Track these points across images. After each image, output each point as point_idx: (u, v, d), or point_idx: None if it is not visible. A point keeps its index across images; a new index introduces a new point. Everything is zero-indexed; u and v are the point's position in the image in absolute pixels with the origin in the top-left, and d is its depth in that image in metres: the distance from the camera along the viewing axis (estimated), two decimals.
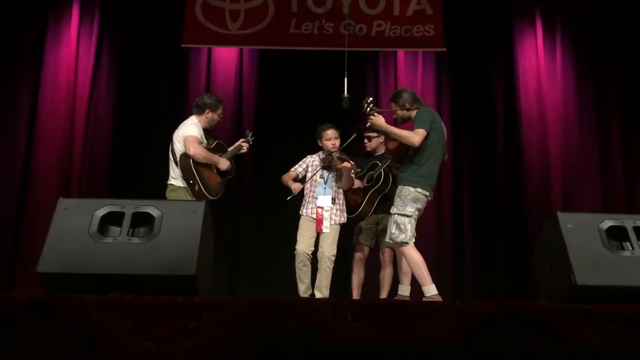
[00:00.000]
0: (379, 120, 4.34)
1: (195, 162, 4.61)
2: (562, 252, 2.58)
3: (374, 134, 5.13)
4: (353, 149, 5.20)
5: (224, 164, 4.79)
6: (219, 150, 4.90)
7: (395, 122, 4.59)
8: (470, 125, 6.60)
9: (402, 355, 2.02)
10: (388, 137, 4.72)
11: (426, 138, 4.22)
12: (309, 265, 4.90)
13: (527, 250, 5.79)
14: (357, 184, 5.11)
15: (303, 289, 4.89)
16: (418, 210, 4.22)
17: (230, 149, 5.00)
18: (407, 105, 4.40)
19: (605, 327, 2.17)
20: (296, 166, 5.17)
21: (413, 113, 4.37)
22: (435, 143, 4.27)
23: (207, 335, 2.08)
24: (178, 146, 4.69)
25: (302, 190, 5.03)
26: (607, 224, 2.68)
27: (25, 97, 6.19)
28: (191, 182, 4.61)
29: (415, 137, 4.18)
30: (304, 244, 4.89)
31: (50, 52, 6.28)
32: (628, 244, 2.66)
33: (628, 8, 6.65)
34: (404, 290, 4.82)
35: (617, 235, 2.68)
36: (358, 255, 5.12)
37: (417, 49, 6.57)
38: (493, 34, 6.74)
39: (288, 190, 5.03)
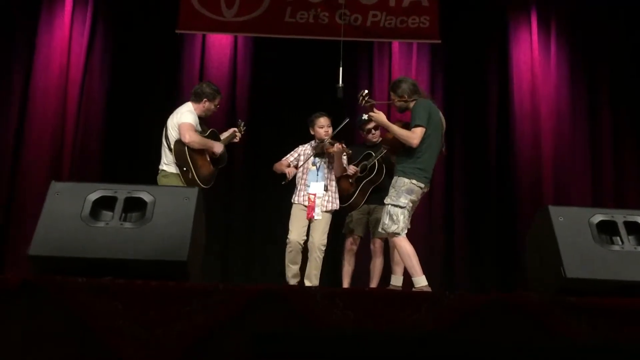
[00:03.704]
0: (380, 116, 4.35)
1: (190, 150, 4.59)
2: (552, 245, 2.60)
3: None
4: (346, 137, 5.20)
5: (218, 147, 4.78)
6: (213, 139, 4.88)
7: (388, 111, 4.59)
8: (463, 118, 6.60)
9: (393, 344, 2.03)
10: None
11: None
12: (300, 254, 4.91)
13: (518, 243, 5.83)
14: (352, 169, 5.10)
15: (291, 274, 4.89)
16: (412, 201, 4.22)
17: (223, 137, 4.99)
18: (405, 96, 4.40)
19: (593, 320, 2.19)
20: (288, 155, 5.17)
21: (411, 104, 4.38)
22: (432, 136, 4.27)
23: (197, 320, 2.08)
24: (173, 133, 4.67)
25: (294, 177, 5.03)
26: (597, 218, 2.70)
27: (17, 79, 6.15)
28: (184, 169, 4.60)
29: (414, 139, 4.18)
30: (296, 233, 4.88)
31: (43, 34, 6.24)
32: (618, 238, 2.67)
33: (622, 4, 6.66)
34: (397, 280, 4.84)
35: (607, 229, 2.70)
36: (349, 244, 5.13)
37: (412, 40, 6.57)
38: (488, 27, 6.74)
39: (281, 177, 5.03)
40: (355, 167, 5.12)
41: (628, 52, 6.63)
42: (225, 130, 5.14)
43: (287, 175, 4.97)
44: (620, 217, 2.72)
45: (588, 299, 2.29)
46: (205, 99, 4.83)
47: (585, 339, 2.17)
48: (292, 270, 4.88)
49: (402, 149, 4.31)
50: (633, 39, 6.63)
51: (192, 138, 4.57)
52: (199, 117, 4.81)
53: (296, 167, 5.08)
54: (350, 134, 5.29)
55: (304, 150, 5.13)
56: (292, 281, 4.90)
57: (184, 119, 4.64)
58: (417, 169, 4.20)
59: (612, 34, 6.67)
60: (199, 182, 4.58)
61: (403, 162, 4.27)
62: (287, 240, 4.89)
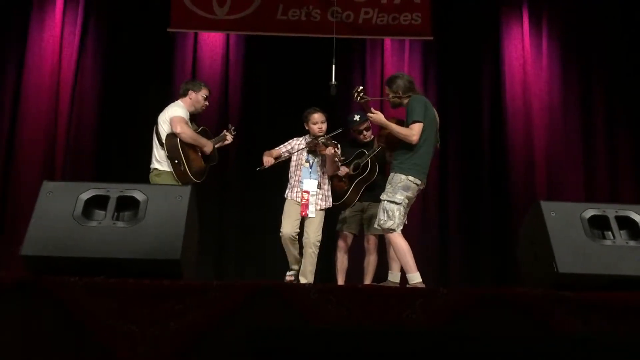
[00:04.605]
0: (378, 117, 4.36)
1: (182, 142, 4.58)
2: (544, 240, 2.60)
3: (368, 124, 5.11)
4: (339, 136, 5.19)
5: (209, 147, 4.77)
6: (204, 136, 4.87)
7: (381, 107, 4.59)
8: (456, 115, 6.62)
9: (388, 340, 2.04)
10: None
11: None
12: (296, 242, 4.90)
13: (512, 239, 5.84)
14: (343, 171, 5.10)
15: (292, 259, 4.92)
16: (408, 198, 4.23)
17: (215, 138, 4.98)
18: (399, 92, 4.41)
19: (587, 314, 2.20)
20: (281, 146, 5.14)
21: (405, 100, 4.39)
22: (428, 131, 4.28)
23: (191, 318, 2.08)
24: (164, 127, 4.64)
25: (288, 174, 5.02)
26: (589, 213, 2.70)
27: (9, 78, 6.13)
28: (176, 161, 4.57)
29: (413, 135, 4.19)
30: (288, 226, 4.87)
31: (34, 34, 6.22)
32: (609, 233, 2.68)
33: (618, 2, 6.68)
34: (394, 276, 4.83)
35: (599, 224, 2.70)
36: (342, 242, 5.13)
37: (404, 37, 6.58)
38: (480, 23, 6.75)
39: (269, 170, 4.95)
40: (346, 168, 5.11)
41: (621, 46, 6.64)
42: (216, 128, 5.12)
43: (264, 163, 4.89)
44: (611, 211, 2.73)
45: (581, 293, 2.30)
46: (190, 91, 4.83)
47: (579, 333, 2.18)
48: (291, 254, 4.90)
49: (398, 145, 4.32)
50: (628, 36, 6.64)
51: (183, 129, 4.56)
52: (190, 114, 4.80)
53: (286, 160, 5.04)
54: (344, 133, 5.27)
55: (298, 144, 5.11)
56: (295, 266, 4.93)
57: (175, 112, 4.64)
58: (414, 165, 4.21)
59: (604, 28, 6.67)
60: (190, 175, 4.57)
61: (400, 157, 4.28)
62: (280, 234, 4.89)
